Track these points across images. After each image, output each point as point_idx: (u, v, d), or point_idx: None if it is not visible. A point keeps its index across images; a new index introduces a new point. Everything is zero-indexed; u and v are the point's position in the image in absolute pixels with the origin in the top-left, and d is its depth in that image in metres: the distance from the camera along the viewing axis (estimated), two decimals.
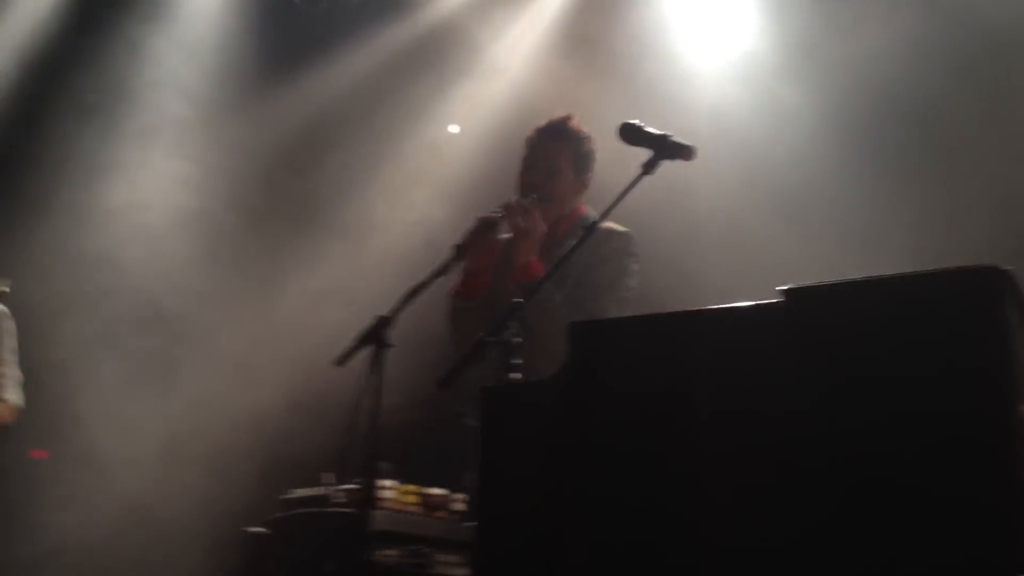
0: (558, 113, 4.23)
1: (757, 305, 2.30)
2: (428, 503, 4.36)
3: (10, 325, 5.25)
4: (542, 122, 4.20)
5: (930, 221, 4.81)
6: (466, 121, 6.22)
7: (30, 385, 5.22)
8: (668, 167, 3.23)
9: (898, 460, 2.12)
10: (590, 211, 4.08)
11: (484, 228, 3.89)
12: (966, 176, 4.88)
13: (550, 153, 4.09)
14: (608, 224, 3.87)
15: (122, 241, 6.00)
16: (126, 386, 5.90)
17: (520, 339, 2.88)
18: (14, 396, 5.16)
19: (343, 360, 3.76)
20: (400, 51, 6.46)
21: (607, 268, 3.97)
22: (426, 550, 4.19)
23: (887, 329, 2.17)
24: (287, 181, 6.31)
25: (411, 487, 4.35)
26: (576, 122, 4.20)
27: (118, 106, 6.21)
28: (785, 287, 2.27)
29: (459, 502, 4.42)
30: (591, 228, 3.25)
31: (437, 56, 6.38)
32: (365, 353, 3.71)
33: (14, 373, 5.19)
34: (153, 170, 6.13)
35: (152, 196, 6.12)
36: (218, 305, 6.07)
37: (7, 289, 5.15)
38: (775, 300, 2.28)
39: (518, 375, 2.83)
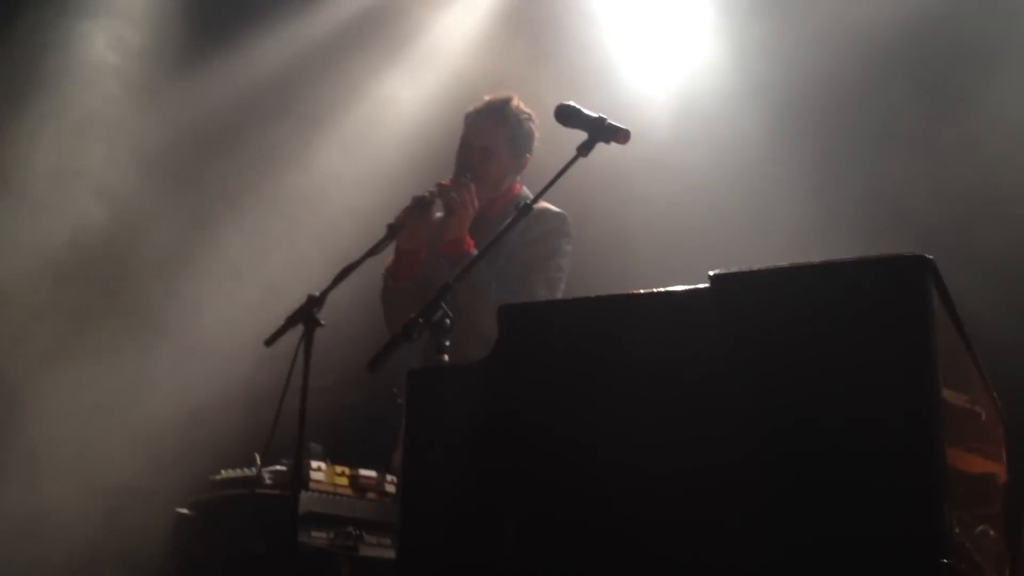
0: (499, 93, 4.22)
1: (686, 289, 2.31)
2: (359, 484, 4.33)
3: None
4: (481, 101, 4.19)
5: (866, 208, 4.87)
6: (405, 101, 6.15)
7: None
8: (604, 149, 3.24)
9: (823, 445, 2.14)
10: (526, 191, 4.07)
11: (418, 208, 3.87)
12: (902, 164, 4.94)
13: (487, 133, 4.08)
14: (543, 204, 3.88)
15: (51, 224, 5.86)
16: (62, 370, 5.78)
17: (450, 320, 2.85)
18: None
19: (272, 340, 3.72)
20: (338, 29, 6.37)
21: (539, 247, 3.97)
22: (356, 532, 4.17)
23: (813, 315, 2.19)
24: (216, 161, 6.20)
25: (342, 468, 4.32)
26: (517, 102, 4.17)
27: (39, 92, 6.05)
28: (713, 272, 2.28)
29: (390, 483, 4.40)
30: (525, 208, 3.23)
31: (376, 34, 6.30)
32: (295, 333, 3.69)
33: None
34: (81, 154, 6.00)
35: (83, 177, 5.98)
36: (151, 283, 5.96)
37: None
38: (704, 285, 2.29)
39: (446, 357, 2.81)
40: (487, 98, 4.18)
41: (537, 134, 4.15)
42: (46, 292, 5.83)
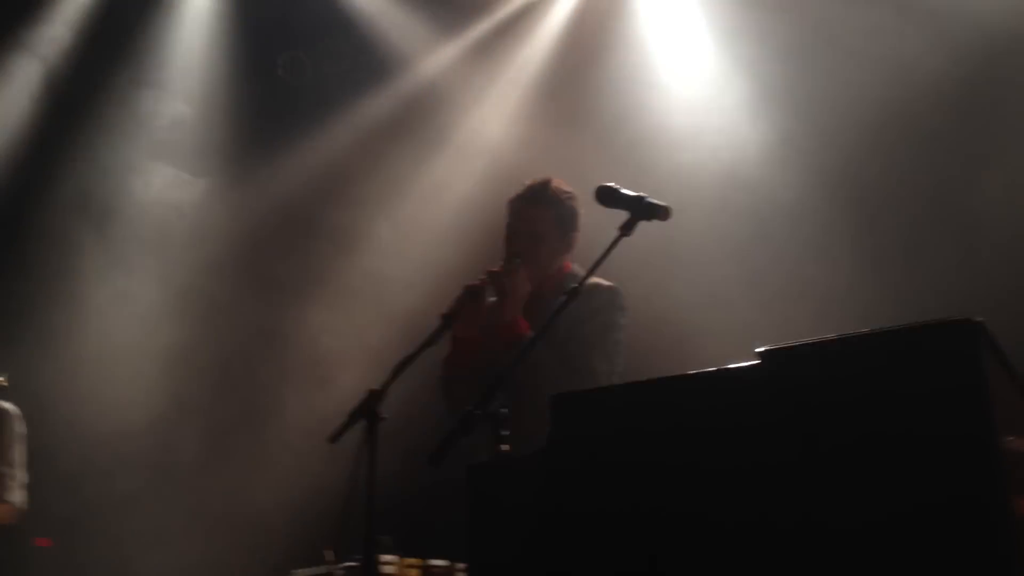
0: (538, 176, 4.27)
1: (735, 368, 2.30)
2: (430, 574, 4.31)
3: (20, 428, 5.25)
4: (522, 186, 4.24)
5: (910, 274, 4.81)
6: (448, 189, 6.25)
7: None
8: (647, 227, 3.26)
9: (887, 521, 2.10)
10: (576, 268, 4.10)
11: (470, 296, 3.91)
12: (948, 230, 4.88)
13: (532, 218, 4.13)
14: (594, 279, 3.89)
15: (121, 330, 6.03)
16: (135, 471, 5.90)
17: (507, 410, 2.88)
18: (17, 498, 5.16)
19: (336, 436, 3.75)
20: (382, 120, 6.53)
21: (594, 323, 3.98)
22: None
23: (865, 386, 2.17)
24: (275, 254, 6.34)
25: (413, 560, 4.30)
26: (557, 184, 4.22)
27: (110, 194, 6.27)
28: (762, 348, 2.28)
29: (461, 571, 4.37)
30: (574, 292, 3.25)
31: (418, 123, 6.44)
32: (358, 428, 3.73)
33: (20, 475, 5.19)
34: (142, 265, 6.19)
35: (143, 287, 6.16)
36: (216, 389, 6.08)
37: (5, 382, 5.15)
38: (753, 362, 2.28)
39: (506, 447, 2.83)
40: (528, 183, 4.23)
41: (581, 210, 4.19)
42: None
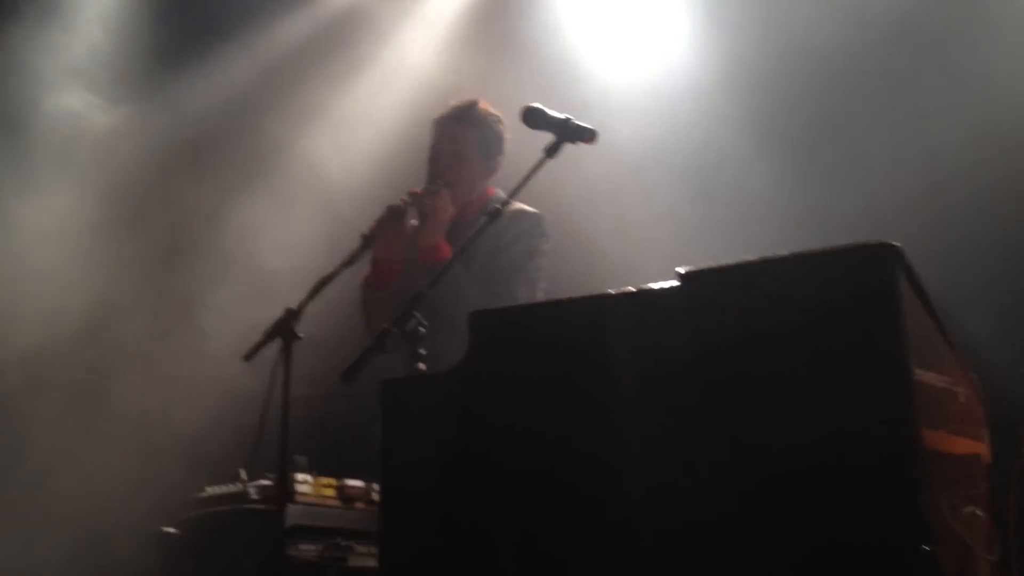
0: (465, 97, 4.21)
1: (654, 288, 2.30)
2: (345, 495, 4.29)
3: None
4: (448, 106, 4.17)
5: (833, 195, 4.86)
6: (370, 112, 6.13)
7: None
8: (572, 149, 3.23)
9: (796, 438, 2.13)
10: (500, 193, 4.06)
11: (392, 216, 3.86)
12: (871, 147, 4.93)
13: (456, 139, 4.08)
14: (517, 205, 3.87)
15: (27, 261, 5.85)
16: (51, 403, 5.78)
17: (424, 328, 2.85)
18: None
19: (251, 354, 3.71)
20: (304, 39, 6.36)
21: (516, 249, 3.96)
22: (344, 543, 4.15)
23: (782, 307, 2.19)
24: (183, 171, 6.19)
25: (327, 479, 4.29)
26: (484, 105, 4.18)
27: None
28: (682, 270, 2.27)
29: (377, 492, 4.37)
30: (495, 212, 3.23)
31: (341, 45, 6.29)
32: (274, 346, 3.68)
33: None
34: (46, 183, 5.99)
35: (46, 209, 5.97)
36: (118, 309, 5.94)
37: None
38: (672, 282, 2.28)
39: (422, 365, 2.80)
40: (453, 103, 4.17)
41: (507, 135, 4.15)
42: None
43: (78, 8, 6.24)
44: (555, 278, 4.04)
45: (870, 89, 5.04)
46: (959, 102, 4.80)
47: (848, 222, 4.69)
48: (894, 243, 2.14)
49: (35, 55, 6.10)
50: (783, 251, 2.26)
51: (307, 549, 4.09)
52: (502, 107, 4.12)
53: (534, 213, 4.05)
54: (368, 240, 3.74)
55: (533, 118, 3.28)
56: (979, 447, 2.90)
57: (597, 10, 5.88)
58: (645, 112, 5.40)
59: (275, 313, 3.57)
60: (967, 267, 4.58)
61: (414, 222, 4.06)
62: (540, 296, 4.01)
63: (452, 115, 4.13)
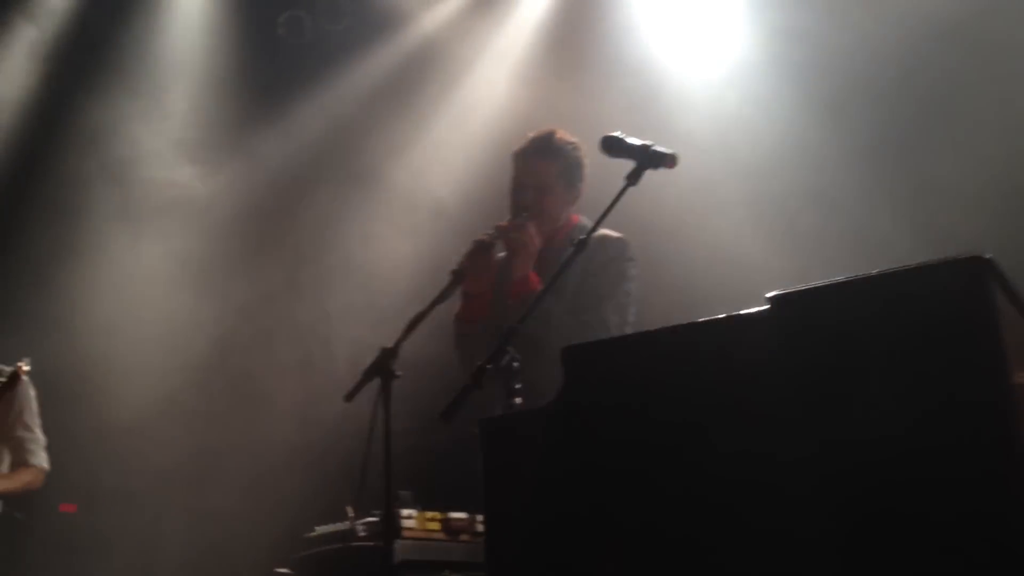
0: (542, 128, 4.25)
1: (744, 314, 2.30)
2: (450, 528, 4.34)
3: (30, 392, 5.30)
4: (526, 139, 4.22)
5: (922, 213, 4.76)
6: (451, 146, 6.21)
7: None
8: (653, 175, 3.24)
9: (898, 455, 2.11)
10: (584, 220, 4.09)
11: (480, 251, 3.92)
12: (960, 166, 4.82)
13: (538, 170, 4.11)
14: (603, 231, 3.88)
15: (132, 299, 6.06)
16: (147, 430, 5.96)
17: (518, 363, 2.89)
18: (43, 460, 5.24)
19: (352, 395, 3.79)
20: (384, 78, 6.49)
21: (605, 275, 3.98)
22: (452, 575, 4.19)
23: (876, 328, 2.17)
24: (283, 215, 6.35)
25: (432, 513, 4.35)
26: (561, 135, 4.20)
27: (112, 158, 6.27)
28: (771, 294, 2.27)
29: (481, 523, 4.40)
30: (582, 243, 3.24)
31: (420, 81, 6.39)
32: (373, 386, 3.76)
33: (39, 437, 5.26)
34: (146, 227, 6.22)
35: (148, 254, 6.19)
36: (219, 346, 6.11)
37: (27, 367, 5.17)
38: (763, 307, 2.28)
39: (519, 400, 2.84)
40: (531, 135, 4.21)
41: (586, 161, 4.17)
42: None
43: (170, 79, 6.46)
44: (644, 306, 4.05)
45: (950, 96, 4.95)
46: None
47: (938, 234, 4.60)
48: (985, 255, 2.11)
49: (139, 125, 6.34)
50: (872, 269, 2.25)
51: None
52: (582, 130, 4.15)
53: (619, 238, 4.07)
54: (458, 276, 3.79)
55: (612, 146, 3.31)
56: None
57: (671, 22, 5.86)
58: (725, 131, 5.37)
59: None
60: None
61: (502, 254, 4.11)
62: (631, 320, 4.03)
63: (531, 148, 4.17)
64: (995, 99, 4.82)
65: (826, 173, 5.04)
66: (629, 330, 3.93)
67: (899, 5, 5.06)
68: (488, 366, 2.85)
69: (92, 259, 6.13)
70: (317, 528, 4.46)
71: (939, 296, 2.12)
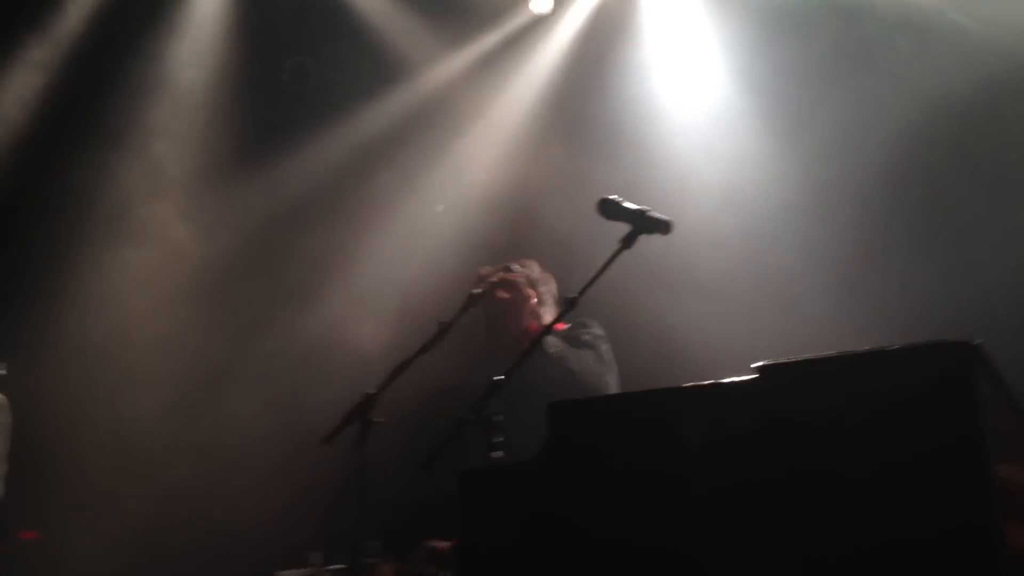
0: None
1: (731, 382, 2.31)
2: None
3: (6, 418, 5.21)
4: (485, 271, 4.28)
5: (909, 296, 4.82)
6: (452, 196, 6.25)
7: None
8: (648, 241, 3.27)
9: (879, 537, 2.11)
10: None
11: (473, 305, 3.93)
12: (958, 246, 4.89)
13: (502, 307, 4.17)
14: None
15: (116, 326, 6.03)
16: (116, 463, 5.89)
17: (501, 417, 2.88)
18: None
19: (330, 438, 3.77)
20: (387, 125, 6.52)
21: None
22: None
23: (860, 405, 2.19)
24: (280, 255, 6.35)
25: (397, 565, 4.30)
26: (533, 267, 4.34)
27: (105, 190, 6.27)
28: (759, 363, 2.29)
29: None
30: (572, 302, 3.26)
31: (424, 130, 6.44)
32: (352, 431, 3.74)
33: (2, 467, 5.16)
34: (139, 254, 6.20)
35: (134, 282, 6.16)
36: (204, 380, 6.07)
37: (3, 372, 5.12)
38: (750, 376, 2.29)
39: (499, 453, 2.83)
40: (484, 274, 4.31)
41: (549, 287, 4.33)
42: None
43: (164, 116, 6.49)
44: (632, 371, 4.08)
45: (951, 185, 5.04)
46: None
47: (929, 316, 4.65)
48: (972, 340, 2.13)
49: (129, 167, 6.35)
50: (862, 346, 2.28)
51: None
52: (577, 196, 4.21)
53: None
54: (445, 328, 3.81)
55: (609, 209, 3.33)
56: None
57: (672, 92, 5.96)
58: (720, 195, 5.43)
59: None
60: None
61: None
62: (614, 386, 4.06)
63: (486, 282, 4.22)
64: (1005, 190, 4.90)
65: (818, 247, 5.10)
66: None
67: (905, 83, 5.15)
68: (470, 417, 2.84)
69: (70, 285, 6.09)
70: (282, 573, 4.41)
71: (924, 378, 2.14)
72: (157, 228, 6.37)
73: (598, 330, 4.17)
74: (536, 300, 4.19)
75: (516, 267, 4.13)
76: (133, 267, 6.17)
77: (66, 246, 6.13)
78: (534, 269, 4.37)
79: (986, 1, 5.08)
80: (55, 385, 5.81)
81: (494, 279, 4.05)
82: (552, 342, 3.85)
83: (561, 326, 4.02)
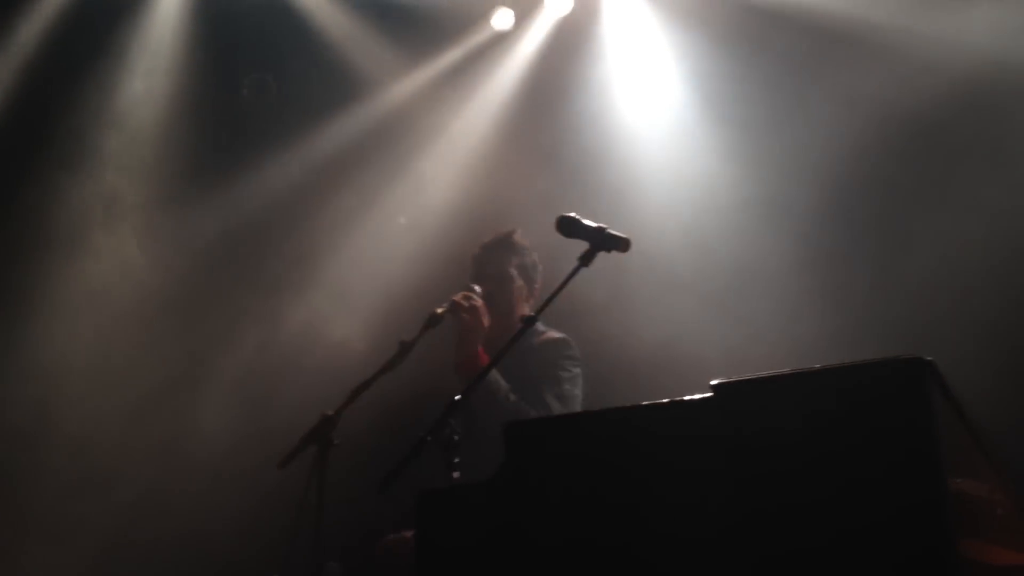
0: (502, 228, 4.48)
1: (688, 400, 2.31)
2: None
3: None
4: (487, 238, 4.46)
5: (866, 313, 4.86)
6: (413, 211, 6.24)
7: None
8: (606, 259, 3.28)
9: (834, 552, 2.12)
10: (540, 326, 4.22)
11: (433, 325, 3.91)
12: (910, 259, 4.93)
13: (499, 262, 4.33)
14: (547, 334, 4.18)
15: (72, 343, 5.95)
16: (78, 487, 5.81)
17: (458, 437, 2.88)
18: None
19: (287, 461, 3.75)
20: (348, 142, 6.49)
21: (544, 372, 4.12)
22: None
23: (816, 421, 2.19)
24: (239, 268, 6.29)
25: None
26: (519, 235, 4.46)
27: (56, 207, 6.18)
28: (715, 382, 2.29)
29: None
30: (530, 320, 3.28)
31: (385, 146, 6.42)
32: (310, 453, 3.71)
33: None
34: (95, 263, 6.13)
35: (89, 299, 6.09)
36: (160, 398, 6.00)
37: None
38: (706, 395, 2.29)
39: (456, 474, 2.82)
40: (492, 235, 4.47)
41: (540, 267, 4.43)
42: None
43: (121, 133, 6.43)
44: (590, 389, 4.10)
45: (900, 198, 5.09)
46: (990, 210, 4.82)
47: (883, 332, 4.69)
48: (925, 357, 2.15)
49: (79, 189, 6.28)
50: (816, 363, 2.28)
51: None
52: (538, 215, 4.22)
53: (560, 339, 4.23)
54: (407, 347, 3.79)
55: (568, 227, 3.33)
56: (1022, 559, 2.86)
57: (635, 110, 5.98)
58: (683, 222, 5.46)
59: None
60: (1005, 379, 4.54)
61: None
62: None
63: (491, 243, 4.41)
64: (948, 202, 4.95)
65: (778, 276, 5.13)
66: None
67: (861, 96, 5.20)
68: (428, 438, 2.83)
69: (25, 302, 6.00)
70: None
71: (878, 395, 2.15)
72: (112, 246, 6.29)
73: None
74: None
75: (478, 289, 4.15)
76: (88, 285, 6.09)
77: (21, 263, 6.05)
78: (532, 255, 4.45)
79: (934, 18, 5.14)
80: (10, 402, 5.73)
81: (457, 298, 4.06)
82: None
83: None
